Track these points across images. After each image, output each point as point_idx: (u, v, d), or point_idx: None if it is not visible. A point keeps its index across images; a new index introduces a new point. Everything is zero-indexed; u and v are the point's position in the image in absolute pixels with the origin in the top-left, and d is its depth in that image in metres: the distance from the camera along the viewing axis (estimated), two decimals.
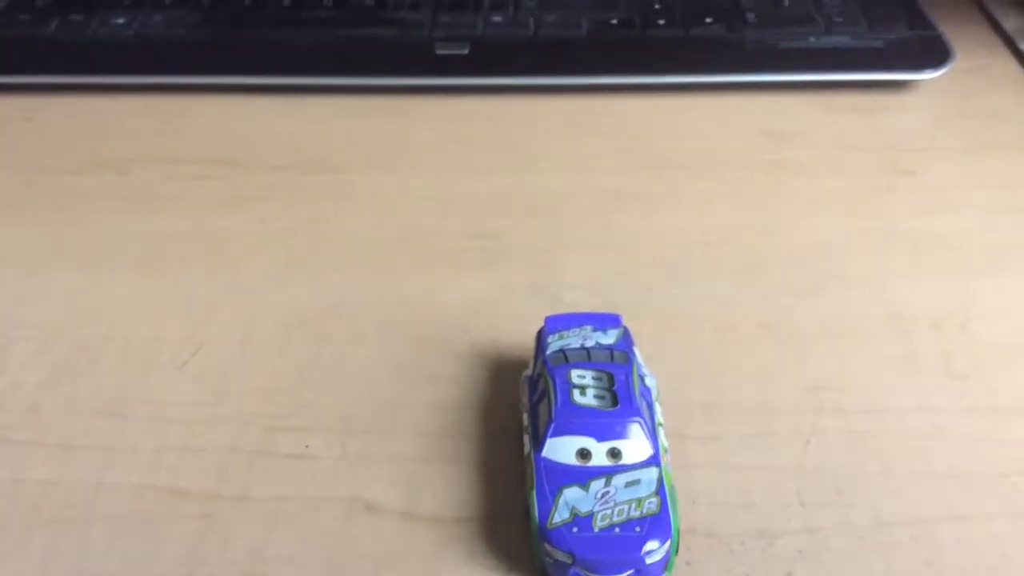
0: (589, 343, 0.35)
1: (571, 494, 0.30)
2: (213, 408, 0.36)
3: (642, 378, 0.34)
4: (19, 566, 0.30)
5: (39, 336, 0.39)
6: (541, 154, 0.51)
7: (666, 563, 0.30)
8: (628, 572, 0.29)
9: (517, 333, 0.40)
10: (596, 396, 0.32)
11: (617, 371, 0.33)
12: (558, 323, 0.36)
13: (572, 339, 0.35)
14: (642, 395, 0.33)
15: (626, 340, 0.35)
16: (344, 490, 0.33)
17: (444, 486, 0.33)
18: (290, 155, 0.51)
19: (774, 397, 0.37)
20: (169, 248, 0.44)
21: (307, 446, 0.35)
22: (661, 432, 0.33)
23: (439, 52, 0.56)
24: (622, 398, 0.32)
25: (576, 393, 0.32)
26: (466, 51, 0.56)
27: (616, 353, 0.34)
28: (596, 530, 0.29)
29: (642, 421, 0.31)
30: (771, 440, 0.35)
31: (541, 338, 0.35)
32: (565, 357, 0.34)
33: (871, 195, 0.48)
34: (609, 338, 0.35)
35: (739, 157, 0.51)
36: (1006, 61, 0.59)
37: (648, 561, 0.29)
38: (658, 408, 0.34)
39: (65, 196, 0.48)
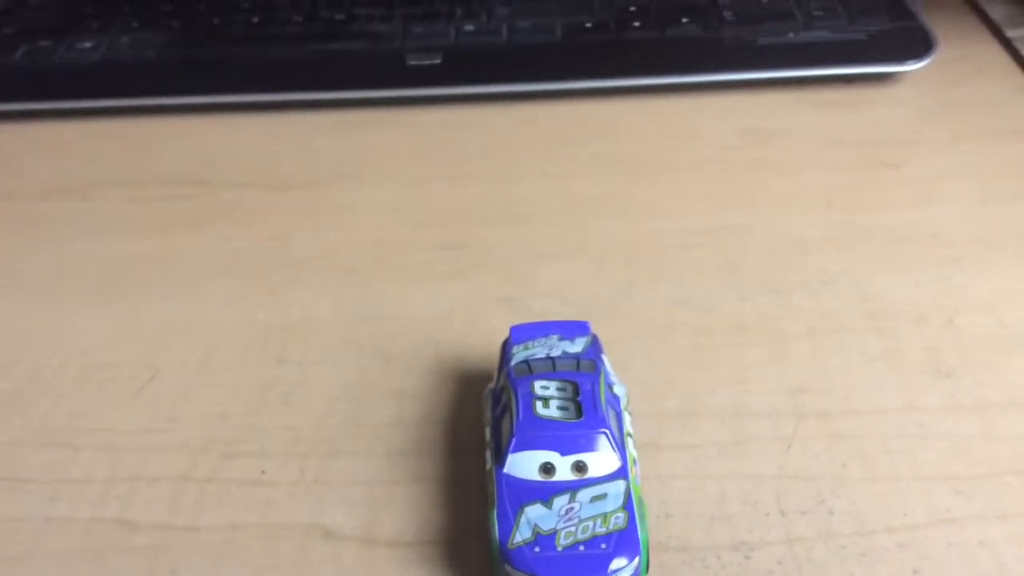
0: (555, 352, 0.33)
1: (533, 511, 0.29)
2: (166, 435, 0.35)
3: (610, 387, 0.32)
4: None
5: None
6: (515, 162, 0.50)
7: None
8: None
9: (486, 346, 0.38)
10: (560, 408, 0.31)
11: (583, 380, 0.31)
12: (523, 333, 0.34)
13: (538, 349, 0.33)
14: (609, 404, 0.31)
15: (594, 348, 0.33)
16: (301, 516, 0.32)
17: (406, 508, 0.32)
18: (258, 172, 0.50)
19: (752, 401, 0.35)
20: (129, 271, 0.43)
21: (263, 471, 0.33)
22: (630, 443, 0.31)
23: (411, 63, 0.55)
24: (587, 409, 0.30)
25: (539, 405, 0.31)
26: (438, 61, 0.55)
27: (583, 362, 0.32)
28: (559, 549, 0.28)
29: (608, 432, 0.30)
30: (749, 447, 0.33)
31: (506, 349, 0.34)
32: (529, 368, 0.32)
33: (853, 190, 0.46)
34: (576, 346, 0.33)
35: (718, 157, 0.49)
36: (992, 48, 0.57)
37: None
38: (627, 417, 0.32)
39: (25, 223, 0.47)
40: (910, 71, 0.54)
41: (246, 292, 0.42)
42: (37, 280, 0.43)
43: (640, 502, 0.29)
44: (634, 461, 0.30)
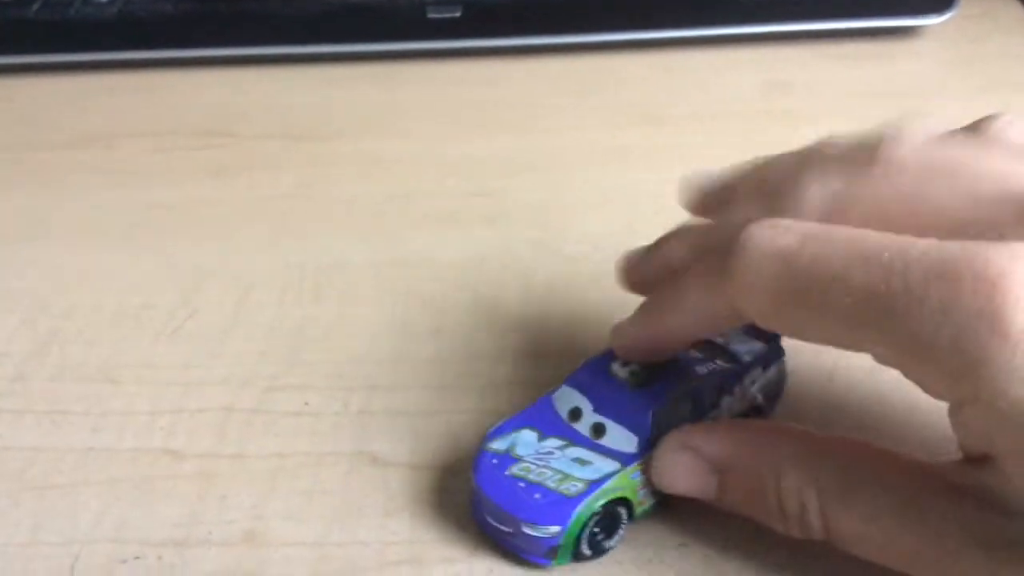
0: None
1: (526, 435, 0.28)
2: (208, 370, 0.35)
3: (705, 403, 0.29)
4: (8, 532, 0.29)
5: (25, 307, 0.38)
6: (539, 114, 0.50)
7: (550, 549, 0.26)
8: (508, 529, 0.27)
9: (521, 288, 0.38)
10: (632, 372, 0.29)
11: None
12: None
13: None
14: (681, 405, 0.28)
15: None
16: (347, 445, 0.31)
17: (450, 437, 0.32)
18: (280, 124, 0.50)
19: None
20: (158, 218, 0.43)
21: (306, 403, 0.33)
22: None
23: (430, 16, 0.55)
24: (654, 386, 0.28)
25: (617, 364, 0.29)
26: (458, 14, 0.55)
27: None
28: (508, 473, 0.27)
29: (650, 415, 0.28)
30: None
31: None
32: None
33: None
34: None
35: (743, 108, 0.49)
36: (1010, 6, 0.58)
37: (526, 530, 0.26)
38: None
39: (50, 171, 0.47)
40: (930, 25, 0.54)
41: (278, 238, 0.42)
42: (65, 226, 0.43)
43: (618, 495, 0.27)
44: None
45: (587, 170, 0.45)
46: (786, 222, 0.25)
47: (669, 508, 0.28)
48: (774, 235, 0.24)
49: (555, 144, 0.47)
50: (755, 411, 0.31)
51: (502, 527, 0.27)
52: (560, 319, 0.37)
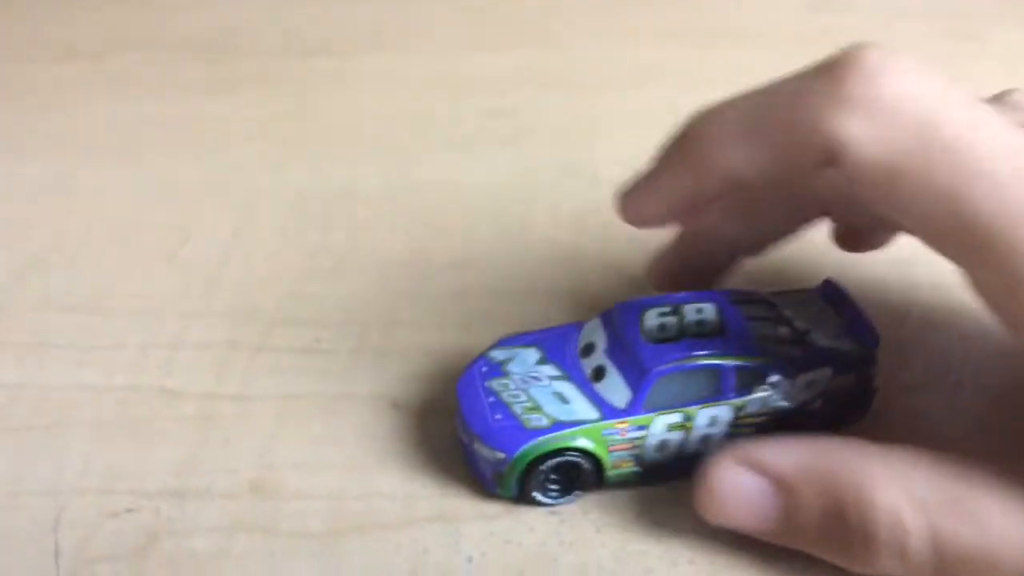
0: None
1: (528, 354, 0.26)
2: (207, 301, 0.31)
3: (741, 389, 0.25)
4: None
5: (5, 230, 0.34)
6: (566, 29, 0.46)
7: (495, 474, 0.24)
8: (466, 439, 0.25)
9: (551, 214, 0.35)
10: (661, 325, 0.26)
11: (734, 338, 0.25)
12: None
13: None
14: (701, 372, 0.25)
15: None
16: (364, 386, 0.28)
17: None
18: (283, 38, 0.46)
19: None
20: (152, 135, 0.40)
21: (317, 339, 0.30)
22: (662, 422, 0.24)
23: None
24: (673, 345, 0.25)
25: (655, 312, 0.26)
26: None
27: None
28: (485, 384, 0.25)
29: (649, 380, 0.24)
30: None
31: None
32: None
33: (934, 62, 0.43)
34: None
35: (788, 28, 0.46)
36: None
37: (476, 447, 0.25)
38: (708, 417, 0.25)
39: (36, 85, 0.43)
40: None
41: (281, 159, 0.38)
42: (51, 142, 0.39)
43: (589, 453, 0.24)
44: (644, 436, 0.24)
45: (619, 88, 0.41)
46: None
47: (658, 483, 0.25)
48: (919, 74, 0.21)
49: (584, 60, 0.44)
50: (809, 417, 0.26)
51: (463, 436, 0.25)
52: (593, 251, 0.33)
